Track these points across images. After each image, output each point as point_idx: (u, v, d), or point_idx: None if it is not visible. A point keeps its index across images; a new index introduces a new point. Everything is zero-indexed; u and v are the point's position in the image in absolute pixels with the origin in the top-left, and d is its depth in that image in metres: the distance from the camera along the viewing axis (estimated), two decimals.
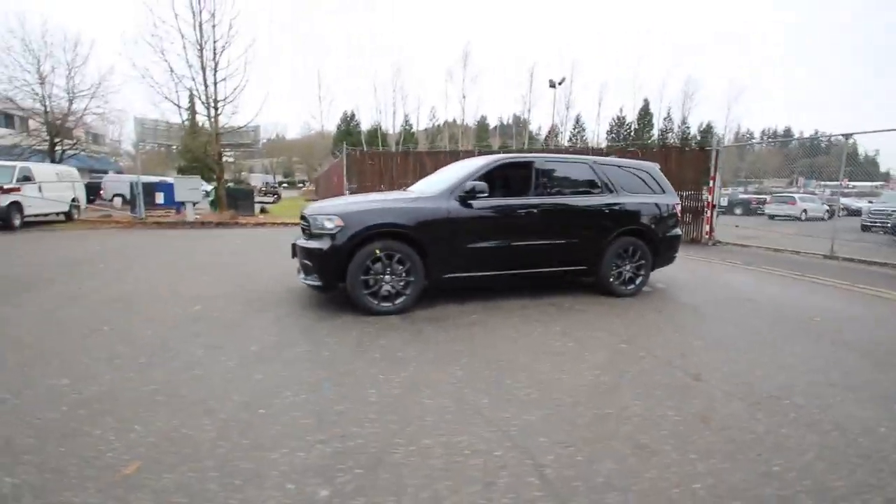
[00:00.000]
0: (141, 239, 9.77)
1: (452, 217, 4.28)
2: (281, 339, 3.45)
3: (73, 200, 12.86)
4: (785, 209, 21.64)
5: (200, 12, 14.01)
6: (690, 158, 11.69)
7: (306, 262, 4.15)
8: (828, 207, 22.32)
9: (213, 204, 18.43)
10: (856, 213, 20.64)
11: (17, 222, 10.66)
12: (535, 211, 4.59)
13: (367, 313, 4.07)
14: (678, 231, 5.44)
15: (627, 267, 5.08)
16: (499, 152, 15.79)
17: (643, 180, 5.28)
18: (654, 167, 5.47)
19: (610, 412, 2.44)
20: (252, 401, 2.46)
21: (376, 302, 4.09)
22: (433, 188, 4.56)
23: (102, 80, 19.23)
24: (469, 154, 16.51)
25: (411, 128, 46.89)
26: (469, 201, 4.33)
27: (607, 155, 9.84)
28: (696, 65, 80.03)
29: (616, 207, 4.95)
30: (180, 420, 2.25)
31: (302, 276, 4.40)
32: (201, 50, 13.95)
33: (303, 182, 60.65)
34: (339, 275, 4.03)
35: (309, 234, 4.25)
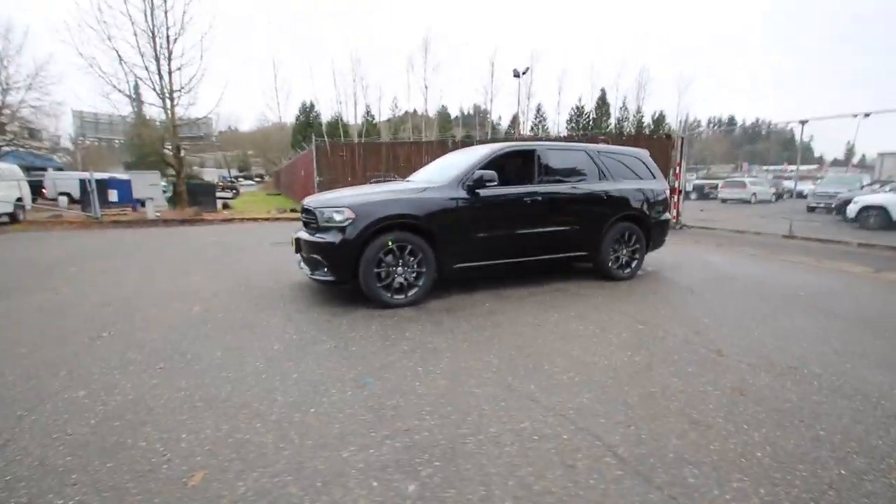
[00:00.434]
0: (103, 240, 9.11)
1: (462, 206, 4.26)
2: (301, 336, 3.33)
3: (18, 200, 11.78)
4: (737, 193, 22.95)
5: None
6: (658, 145, 12.17)
7: (316, 256, 4.01)
8: (775, 190, 23.93)
9: (171, 200, 17.48)
10: (799, 195, 22.27)
11: None
12: (539, 199, 4.64)
13: (381, 306, 3.99)
14: (668, 215, 5.67)
15: (624, 251, 5.25)
16: (472, 142, 15.78)
17: (636, 167, 5.44)
18: (644, 154, 5.65)
19: (654, 390, 2.52)
20: (299, 400, 2.37)
21: (389, 294, 4.02)
22: (440, 178, 4.51)
23: (39, 71, 17.67)
24: (442, 144, 16.46)
25: (373, 118, 45.95)
26: (477, 190, 4.32)
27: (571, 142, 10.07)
28: (649, 56, 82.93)
29: (614, 194, 5.08)
30: (230, 425, 2.13)
31: (307, 271, 4.25)
32: (154, 37, 13.05)
33: (260, 176, 58.26)
34: (353, 268, 3.92)
35: (316, 227, 4.11)
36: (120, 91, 13.33)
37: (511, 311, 4.00)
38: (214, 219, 13.36)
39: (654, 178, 5.55)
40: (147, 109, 15.48)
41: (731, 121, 66.36)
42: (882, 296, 4.80)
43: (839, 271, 6.04)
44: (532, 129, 46.36)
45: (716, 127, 60.09)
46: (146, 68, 13.22)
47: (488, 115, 50.70)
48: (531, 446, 1.99)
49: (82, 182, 13.46)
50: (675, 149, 11.91)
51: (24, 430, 2.10)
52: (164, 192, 17.34)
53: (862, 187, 15.65)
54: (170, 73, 13.42)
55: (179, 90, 13.73)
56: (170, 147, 14.16)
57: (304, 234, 4.32)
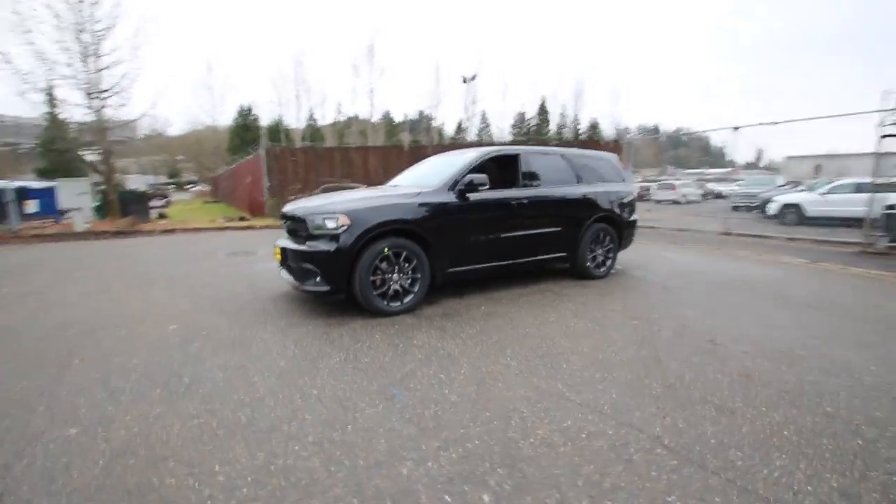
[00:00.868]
0: (28, 256, 8.10)
1: (455, 211, 4.25)
2: (305, 351, 3.15)
3: None
4: (668, 194, 24.78)
5: None
6: (608, 150, 12.83)
7: (307, 266, 3.82)
8: (702, 191, 26.08)
9: (99, 210, 15.95)
10: (719, 195, 24.47)
11: None
12: (525, 202, 4.73)
13: (377, 314, 3.88)
14: (636, 216, 5.99)
15: (599, 251, 5.48)
16: (423, 147, 15.77)
17: (607, 170, 5.71)
18: (613, 157, 5.94)
19: (672, 381, 2.65)
20: (330, 418, 2.24)
21: (385, 302, 3.92)
22: (429, 182, 4.46)
23: None
24: (398, 150, 16.33)
25: (316, 122, 44.62)
26: (467, 195, 4.33)
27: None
28: (586, 66, 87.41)
29: (591, 196, 5.30)
30: (266, 451, 1.97)
31: (292, 281, 4.04)
32: (81, 33, 11.85)
33: (192, 183, 54.51)
34: (347, 277, 3.78)
35: (306, 235, 3.91)
36: (37, 89, 11.95)
37: (507, 313, 4.04)
38: (153, 230, 12.33)
39: (624, 180, 5.85)
40: (70, 111, 14.01)
41: (656, 129, 71.67)
42: (829, 284, 5.36)
43: (781, 263, 6.68)
44: (478, 134, 47.21)
45: (644, 133, 64.49)
46: (70, 65, 11.97)
47: (431, 121, 51.05)
48: (583, 445, 2.02)
49: None
50: (624, 153, 12.65)
51: (18, 479, 1.81)
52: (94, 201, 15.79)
53: (777, 188, 17.48)
54: (98, 71, 12.23)
55: (109, 90, 12.55)
56: (100, 151, 12.86)
57: (289, 244, 4.10)
